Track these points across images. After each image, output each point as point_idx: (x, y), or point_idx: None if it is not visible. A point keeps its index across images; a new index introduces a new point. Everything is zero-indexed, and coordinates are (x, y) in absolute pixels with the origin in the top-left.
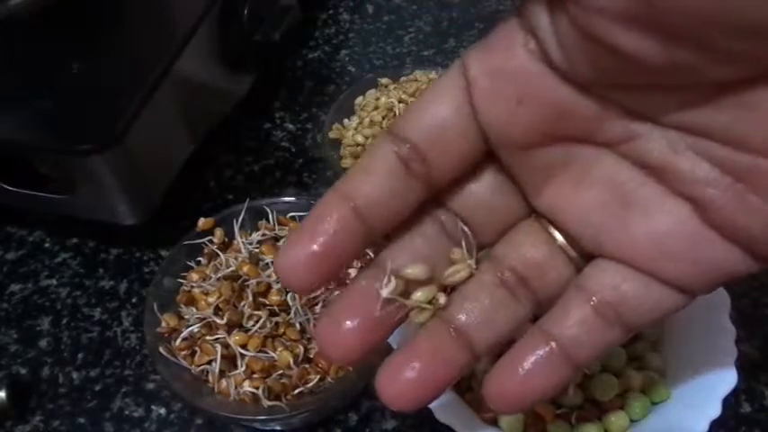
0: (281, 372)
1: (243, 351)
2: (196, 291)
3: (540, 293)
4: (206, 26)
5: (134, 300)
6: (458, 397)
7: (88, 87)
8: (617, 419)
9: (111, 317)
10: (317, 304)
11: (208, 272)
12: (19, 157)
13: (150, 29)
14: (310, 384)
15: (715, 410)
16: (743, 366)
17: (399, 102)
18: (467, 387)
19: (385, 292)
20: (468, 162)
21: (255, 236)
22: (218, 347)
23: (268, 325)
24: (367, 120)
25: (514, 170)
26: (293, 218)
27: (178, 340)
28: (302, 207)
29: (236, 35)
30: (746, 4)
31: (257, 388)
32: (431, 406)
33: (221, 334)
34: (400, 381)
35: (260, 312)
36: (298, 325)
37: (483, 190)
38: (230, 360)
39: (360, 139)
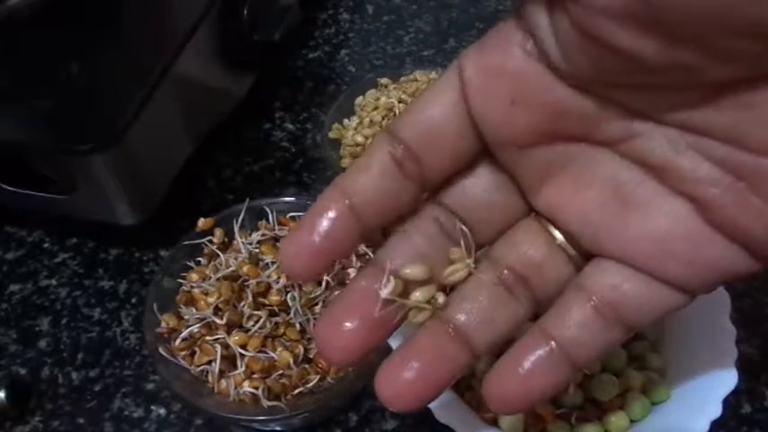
0: (280, 372)
1: (243, 351)
2: (196, 291)
3: (539, 292)
4: (206, 26)
5: (134, 300)
6: (458, 397)
7: (88, 87)
8: (617, 419)
9: (110, 317)
10: (316, 304)
11: (207, 272)
12: (19, 157)
13: (150, 29)
14: (310, 384)
15: (715, 411)
16: (743, 366)
17: (399, 102)
18: (467, 387)
19: (384, 293)
20: (464, 161)
21: (255, 236)
22: (218, 348)
23: (268, 325)
24: (367, 120)
25: (513, 169)
26: (293, 218)
27: (178, 340)
28: (302, 207)
29: (236, 35)
30: (745, 2)
31: (257, 388)
32: (431, 406)
33: (221, 334)
34: (399, 381)
35: (260, 312)
36: (297, 325)
37: (482, 189)
38: (230, 360)
39: (360, 139)
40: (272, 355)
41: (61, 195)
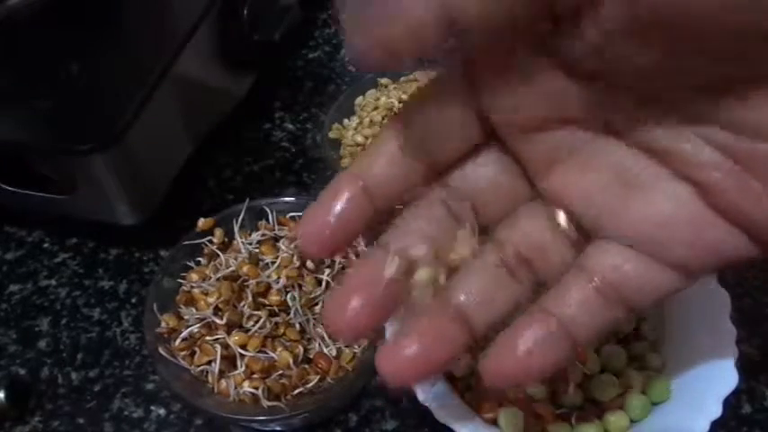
0: (280, 372)
1: (242, 351)
2: (196, 291)
3: (541, 275)
4: (206, 26)
5: (134, 300)
6: (458, 397)
7: (88, 87)
8: (617, 419)
9: (110, 317)
10: (316, 304)
11: (207, 272)
12: (19, 157)
13: (150, 29)
14: (310, 385)
15: (715, 411)
16: (743, 366)
17: (399, 102)
18: (467, 387)
19: (388, 272)
20: (470, 146)
21: (255, 236)
22: (218, 348)
23: (268, 325)
24: (367, 120)
25: (519, 153)
26: (293, 218)
27: (178, 340)
28: (302, 207)
29: (236, 35)
30: (743, 7)
31: (257, 388)
32: (431, 406)
33: (221, 334)
34: (399, 358)
35: (260, 312)
36: (297, 325)
37: (487, 172)
38: (230, 360)
39: (360, 139)
40: (272, 355)
41: (61, 195)
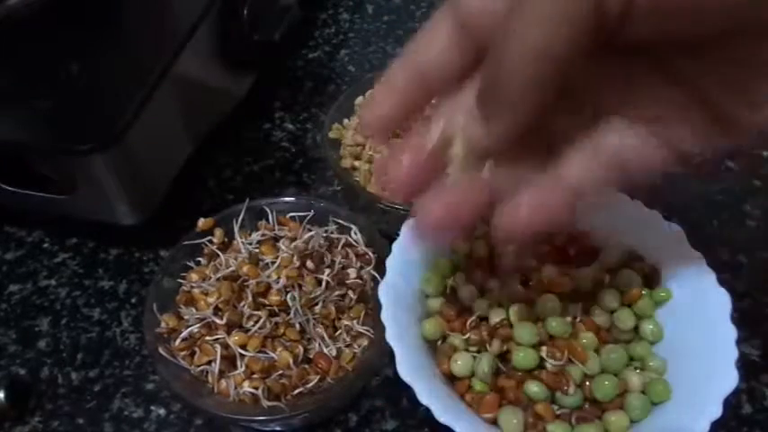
0: (280, 372)
1: (242, 351)
2: (196, 291)
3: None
4: (206, 26)
5: (133, 300)
6: (458, 397)
7: (88, 87)
8: (617, 419)
9: (110, 317)
10: (316, 304)
11: (207, 272)
12: (19, 157)
13: (150, 29)
14: (310, 385)
15: (715, 411)
16: (743, 366)
17: None
18: (467, 387)
19: (429, 144)
20: None
21: (255, 236)
22: (218, 348)
23: (268, 325)
24: None
25: None
26: (293, 218)
27: (178, 340)
28: (302, 207)
29: (236, 35)
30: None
31: (257, 388)
32: (431, 406)
33: (221, 334)
34: (432, 214)
35: (260, 312)
36: (297, 325)
37: None
38: (230, 360)
39: (360, 138)
40: (272, 355)
41: (61, 195)
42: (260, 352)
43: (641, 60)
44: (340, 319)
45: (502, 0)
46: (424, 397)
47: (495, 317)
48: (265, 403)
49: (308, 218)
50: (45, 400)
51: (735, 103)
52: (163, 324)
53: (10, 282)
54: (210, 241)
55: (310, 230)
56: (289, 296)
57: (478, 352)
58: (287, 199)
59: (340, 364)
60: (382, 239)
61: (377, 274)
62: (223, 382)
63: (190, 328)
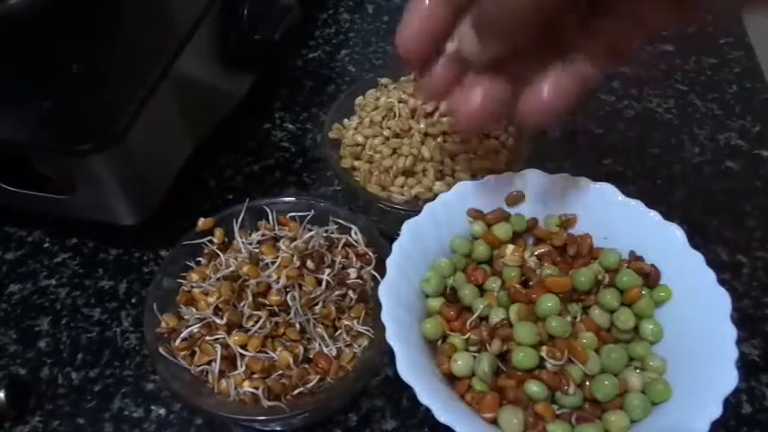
0: (280, 372)
1: (242, 351)
2: (196, 291)
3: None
4: (206, 26)
5: (134, 300)
6: (458, 397)
7: (88, 87)
8: (617, 419)
9: (110, 317)
10: (316, 304)
11: (208, 272)
12: (19, 157)
13: (150, 29)
14: (310, 385)
15: (715, 411)
16: (743, 366)
17: (399, 102)
18: (467, 387)
19: (450, 48)
20: None
21: (255, 236)
22: (218, 348)
23: (268, 325)
24: (367, 120)
25: None
26: (293, 218)
27: (178, 340)
28: (302, 207)
29: (236, 35)
30: None
31: (257, 388)
32: (431, 406)
33: (221, 334)
34: (471, 102)
35: (260, 312)
36: (297, 325)
37: None
38: (230, 360)
39: (360, 139)
40: (272, 355)
41: (61, 195)
42: (260, 352)
43: None
44: (340, 319)
45: None
46: (424, 397)
47: (495, 317)
48: (265, 403)
49: (308, 218)
50: (45, 400)
51: None
52: (163, 324)
53: (10, 282)
54: (210, 241)
55: (310, 230)
56: (289, 296)
57: (478, 352)
58: (287, 199)
59: (340, 364)
60: (382, 239)
61: (377, 274)
62: (223, 382)
63: (190, 328)
